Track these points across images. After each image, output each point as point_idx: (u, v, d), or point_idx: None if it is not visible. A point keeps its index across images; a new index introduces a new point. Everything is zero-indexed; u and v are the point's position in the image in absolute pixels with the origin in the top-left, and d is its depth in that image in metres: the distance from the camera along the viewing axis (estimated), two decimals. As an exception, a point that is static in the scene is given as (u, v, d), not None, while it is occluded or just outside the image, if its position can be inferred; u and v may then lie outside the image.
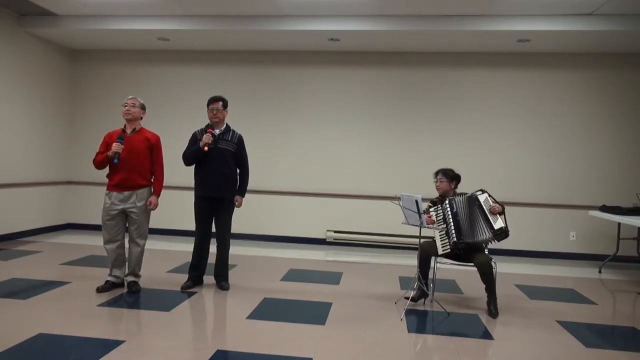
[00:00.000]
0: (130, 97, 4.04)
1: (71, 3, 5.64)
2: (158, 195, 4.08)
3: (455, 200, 3.91)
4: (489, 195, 3.85)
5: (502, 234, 3.73)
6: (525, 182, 6.47)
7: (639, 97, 6.32)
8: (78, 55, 7.26)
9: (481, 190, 3.90)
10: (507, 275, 5.23)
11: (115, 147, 3.84)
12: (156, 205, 4.05)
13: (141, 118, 4.08)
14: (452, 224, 3.84)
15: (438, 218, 3.96)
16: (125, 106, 3.97)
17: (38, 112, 6.62)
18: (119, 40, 6.62)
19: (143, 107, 4.08)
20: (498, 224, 3.73)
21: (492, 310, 3.77)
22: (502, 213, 3.79)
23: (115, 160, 3.85)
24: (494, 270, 3.77)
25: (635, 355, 3.08)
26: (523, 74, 6.48)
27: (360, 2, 5.25)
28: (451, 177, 4.04)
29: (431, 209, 4.03)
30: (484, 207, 3.78)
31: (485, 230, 3.76)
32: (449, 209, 3.89)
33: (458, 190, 4.11)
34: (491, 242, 3.85)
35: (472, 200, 3.86)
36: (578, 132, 6.40)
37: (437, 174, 4.10)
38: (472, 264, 3.83)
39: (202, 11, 5.77)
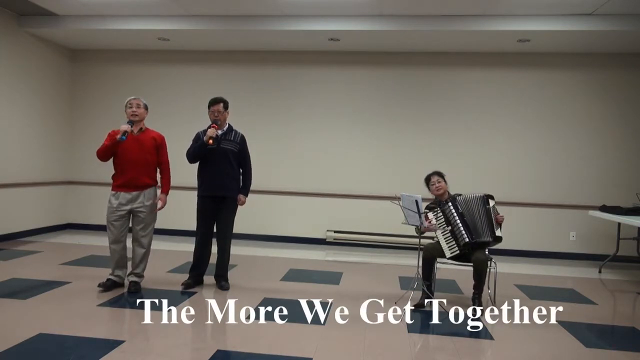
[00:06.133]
0: (133, 97, 4.02)
1: (71, 3, 5.64)
2: (167, 193, 4.11)
3: (457, 201, 3.89)
4: (495, 203, 3.92)
5: (497, 241, 3.89)
6: (525, 182, 6.47)
7: (639, 97, 6.32)
8: (78, 55, 7.26)
9: (490, 195, 3.91)
10: (507, 275, 5.23)
11: (124, 127, 3.81)
12: (165, 204, 4.09)
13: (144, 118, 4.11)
14: (459, 225, 3.83)
15: (440, 221, 3.90)
16: (131, 107, 3.96)
17: (38, 112, 6.62)
18: (119, 40, 6.62)
19: (146, 107, 4.10)
20: (498, 232, 3.85)
21: (477, 303, 3.78)
22: (501, 223, 3.89)
23: (123, 138, 3.79)
24: (491, 270, 3.83)
25: (635, 355, 3.08)
26: (523, 74, 6.47)
27: (360, 2, 5.25)
28: (443, 176, 4.05)
29: (430, 213, 3.94)
30: (492, 212, 3.84)
31: (487, 233, 3.83)
32: (453, 210, 3.86)
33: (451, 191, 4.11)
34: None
35: (483, 201, 3.86)
36: (578, 131, 6.40)
37: (431, 177, 4.05)
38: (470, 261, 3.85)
39: (202, 11, 5.77)
